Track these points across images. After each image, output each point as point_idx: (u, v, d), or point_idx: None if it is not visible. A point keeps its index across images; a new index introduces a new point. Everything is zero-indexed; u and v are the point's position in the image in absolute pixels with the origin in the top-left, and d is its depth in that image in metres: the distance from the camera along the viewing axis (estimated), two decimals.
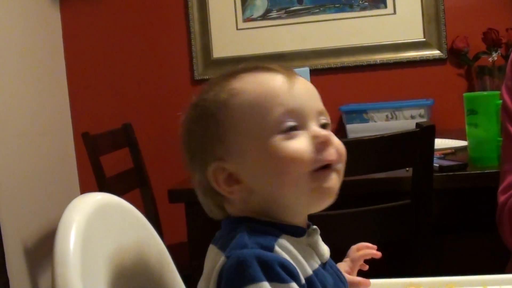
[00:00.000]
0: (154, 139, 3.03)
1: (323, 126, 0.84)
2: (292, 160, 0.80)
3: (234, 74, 0.86)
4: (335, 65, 2.94)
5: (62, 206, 3.28)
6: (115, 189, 2.52)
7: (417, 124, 1.54)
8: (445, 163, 1.84)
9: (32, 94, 2.86)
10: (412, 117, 2.70)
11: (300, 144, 0.80)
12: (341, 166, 0.84)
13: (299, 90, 0.83)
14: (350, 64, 2.93)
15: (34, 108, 2.87)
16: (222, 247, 0.80)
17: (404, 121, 2.70)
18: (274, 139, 0.80)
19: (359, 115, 2.73)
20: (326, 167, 0.81)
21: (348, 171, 0.86)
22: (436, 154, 2.10)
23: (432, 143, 1.52)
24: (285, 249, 0.78)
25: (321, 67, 2.93)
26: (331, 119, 0.86)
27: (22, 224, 2.66)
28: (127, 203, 1.08)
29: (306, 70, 2.72)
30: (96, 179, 2.46)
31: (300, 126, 0.82)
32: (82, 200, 0.98)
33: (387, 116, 2.71)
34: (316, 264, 0.83)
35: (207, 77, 3.03)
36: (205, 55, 3.05)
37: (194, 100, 0.88)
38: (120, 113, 3.05)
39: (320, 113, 0.84)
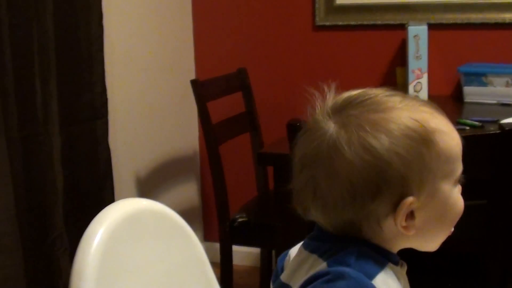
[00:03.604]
0: (267, 84, 3.05)
1: None
2: (459, 215, 0.88)
3: (432, 112, 0.86)
4: (460, 21, 2.78)
5: (178, 142, 3.39)
6: (220, 134, 2.59)
7: (500, 126, 1.45)
8: None
9: (158, 32, 2.96)
10: None
11: (462, 201, 0.88)
12: None
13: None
14: (476, 21, 2.76)
15: (159, 46, 2.97)
16: (327, 259, 0.83)
17: None
18: (454, 188, 0.87)
19: (478, 78, 2.59)
20: None
21: None
22: None
23: None
24: (385, 284, 0.81)
25: (445, 22, 2.78)
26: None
27: (134, 156, 2.80)
28: (169, 210, 1.11)
29: (423, 28, 2.60)
30: (202, 125, 2.54)
31: None
32: (113, 208, 1.02)
33: (507, 82, 2.55)
34: None
35: (328, 23, 2.97)
36: (328, 0, 2.98)
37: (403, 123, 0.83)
38: (237, 57, 3.09)
39: None
